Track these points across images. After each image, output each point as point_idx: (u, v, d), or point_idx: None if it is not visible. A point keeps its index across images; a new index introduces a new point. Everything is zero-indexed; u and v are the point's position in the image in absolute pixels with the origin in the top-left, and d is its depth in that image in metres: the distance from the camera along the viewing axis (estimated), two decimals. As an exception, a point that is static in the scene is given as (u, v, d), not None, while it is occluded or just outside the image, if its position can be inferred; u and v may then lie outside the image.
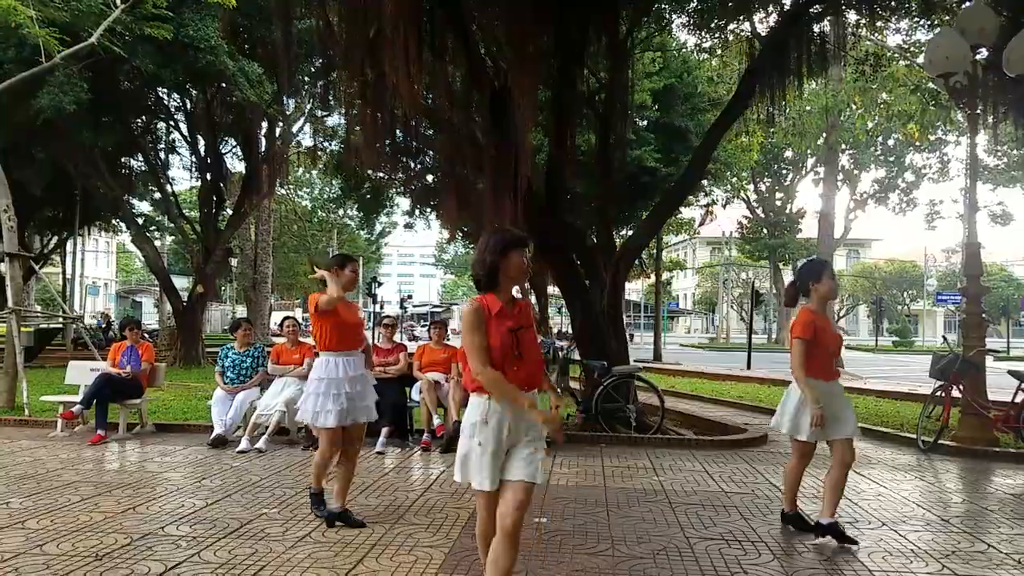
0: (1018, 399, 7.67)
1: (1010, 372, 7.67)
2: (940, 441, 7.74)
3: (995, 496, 5.89)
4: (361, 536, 4.39)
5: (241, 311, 38.87)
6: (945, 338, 9.25)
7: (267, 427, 7.42)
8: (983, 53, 8.79)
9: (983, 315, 8.26)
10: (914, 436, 8.04)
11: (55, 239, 26.64)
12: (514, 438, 2.91)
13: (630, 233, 15.11)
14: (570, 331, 11.51)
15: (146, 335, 9.21)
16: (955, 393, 7.97)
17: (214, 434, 7.43)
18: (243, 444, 7.19)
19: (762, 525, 4.78)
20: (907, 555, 4.21)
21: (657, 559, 4.04)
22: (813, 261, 4.91)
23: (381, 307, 40.15)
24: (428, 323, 15.31)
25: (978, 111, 8.82)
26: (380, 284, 41.40)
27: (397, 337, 8.59)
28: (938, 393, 8.06)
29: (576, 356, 10.14)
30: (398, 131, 10.38)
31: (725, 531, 4.63)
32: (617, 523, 4.75)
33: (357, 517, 4.66)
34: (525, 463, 2.89)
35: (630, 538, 4.42)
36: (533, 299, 25.00)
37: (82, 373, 8.49)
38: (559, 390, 9.10)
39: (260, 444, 7.20)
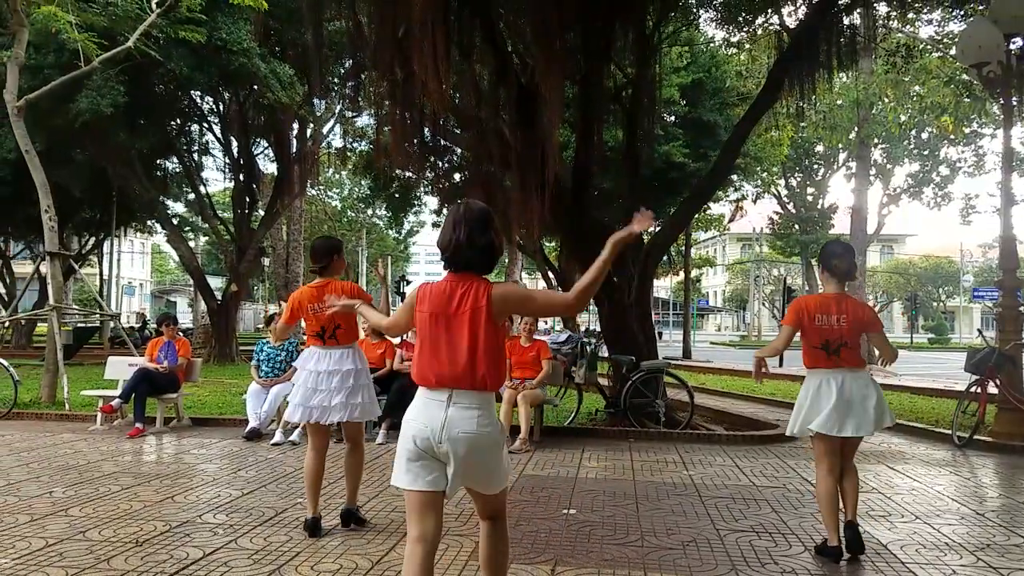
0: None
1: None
2: (976, 437, 7.61)
3: (1033, 491, 5.80)
4: (393, 524, 4.47)
5: (273, 310, 39.39)
6: (980, 332, 9.08)
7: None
8: (1018, 43, 8.62)
9: (1020, 308, 8.10)
10: (949, 432, 7.92)
11: (92, 240, 27.29)
12: None
13: (658, 229, 15.08)
14: (598, 328, 11.50)
15: (181, 332, 9.44)
16: (991, 389, 7.83)
17: (249, 427, 7.59)
18: (277, 436, 7.34)
19: (793, 518, 4.76)
20: (941, 548, 4.17)
21: (687, 550, 4.05)
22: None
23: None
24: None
25: (1013, 101, 8.65)
26: (408, 283, 41.70)
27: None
28: (973, 388, 7.93)
29: (604, 352, 10.15)
30: (426, 130, 10.48)
31: (756, 523, 4.62)
32: (646, 515, 4.76)
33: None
34: None
35: (659, 529, 4.44)
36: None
37: (120, 368, 8.72)
38: (588, 385, 9.14)
39: (294, 437, 7.33)
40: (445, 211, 23.84)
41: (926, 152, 27.76)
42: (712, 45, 18.30)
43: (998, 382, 7.72)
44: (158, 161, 20.04)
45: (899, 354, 4.18)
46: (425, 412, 2.60)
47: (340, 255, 4.62)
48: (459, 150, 16.03)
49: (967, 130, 21.72)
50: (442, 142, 13.03)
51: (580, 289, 2.58)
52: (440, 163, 17.31)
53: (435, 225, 27.04)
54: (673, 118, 17.57)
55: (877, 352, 4.19)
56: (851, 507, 4.01)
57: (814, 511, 4.88)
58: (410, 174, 18.36)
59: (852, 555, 3.89)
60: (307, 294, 4.49)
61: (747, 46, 15.86)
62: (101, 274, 30.56)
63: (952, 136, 22.34)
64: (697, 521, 4.65)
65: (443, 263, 2.71)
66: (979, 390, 7.84)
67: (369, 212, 40.05)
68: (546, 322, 37.94)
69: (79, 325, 21.48)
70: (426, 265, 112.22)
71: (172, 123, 18.55)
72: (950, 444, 7.75)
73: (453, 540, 4.17)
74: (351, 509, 4.44)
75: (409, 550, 2.59)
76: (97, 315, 20.17)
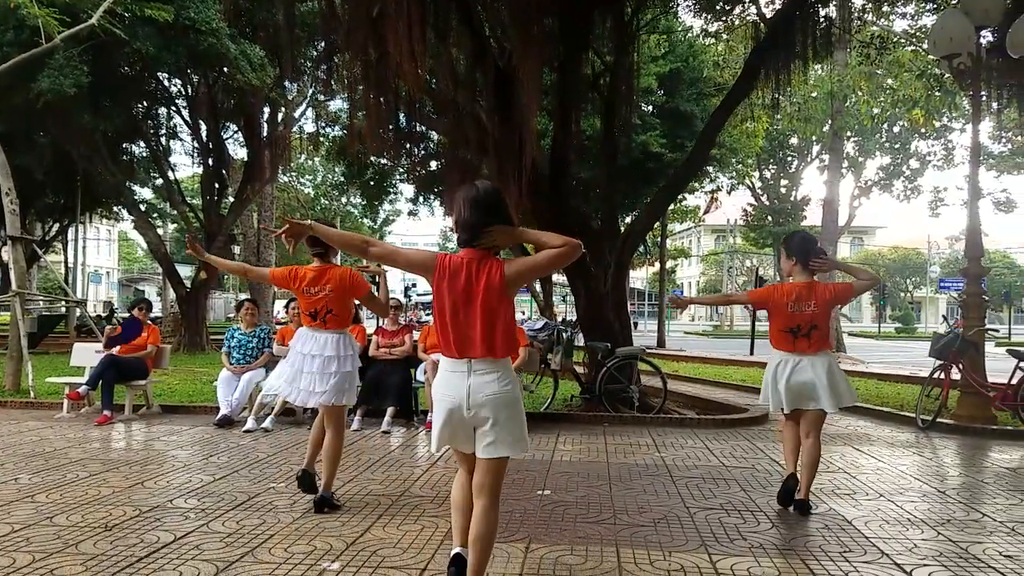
0: (1016, 378, 7.70)
1: (1009, 351, 7.70)
2: (939, 420, 7.78)
3: (991, 470, 5.94)
4: (368, 508, 4.45)
5: (243, 297, 38.93)
6: (945, 318, 9.28)
7: (273, 407, 7.48)
8: (988, 37, 8.77)
9: (984, 296, 8.28)
10: (913, 415, 8.09)
11: (56, 226, 26.68)
12: None
13: (635, 218, 15.12)
14: (574, 318, 11.55)
15: (151, 320, 9.30)
16: (954, 375, 8.00)
17: (220, 414, 7.50)
18: (249, 423, 7.27)
19: (761, 496, 4.84)
20: (904, 523, 4.26)
21: (658, 527, 4.10)
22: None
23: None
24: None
25: (982, 94, 8.80)
26: (384, 272, 41.36)
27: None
28: (937, 373, 8.09)
29: (580, 341, 10.18)
30: (401, 115, 10.38)
31: (725, 501, 4.69)
32: (619, 495, 4.81)
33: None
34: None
35: (631, 508, 4.48)
36: (538, 286, 25.03)
37: (87, 355, 8.56)
38: (563, 372, 9.18)
39: (267, 423, 7.27)
40: (421, 199, 23.73)
41: (897, 145, 28.23)
42: (690, 35, 18.35)
43: (961, 367, 7.90)
44: (124, 145, 19.59)
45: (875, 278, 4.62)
46: (450, 383, 2.85)
47: None
48: (435, 137, 15.95)
49: (937, 124, 22.08)
50: (418, 128, 12.93)
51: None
52: (416, 150, 17.20)
53: (411, 214, 26.82)
54: (651, 108, 17.61)
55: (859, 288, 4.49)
56: (805, 484, 4.38)
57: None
58: (385, 161, 18.23)
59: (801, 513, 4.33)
60: (303, 275, 4.50)
61: (724, 36, 15.95)
62: (66, 261, 29.89)
63: (923, 129, 22.71)
64: (668, 500, 4.71)
65: (459, 241, 2.88)
66: (943, 375, 8.01)
67: (343, 200, 39.65)
68: (522, 311, 38.02)
69: (43, 313, 21.00)
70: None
71: (138, 105, 18.11)
72: (914, 427, 7.93)
73: (429, 521, 4.17)
74: (325, 495, 4.40)
75: (458, 477, 3.06)
76: (62, 302, 19.78)
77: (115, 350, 8.06)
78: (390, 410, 7.40)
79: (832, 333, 23.57)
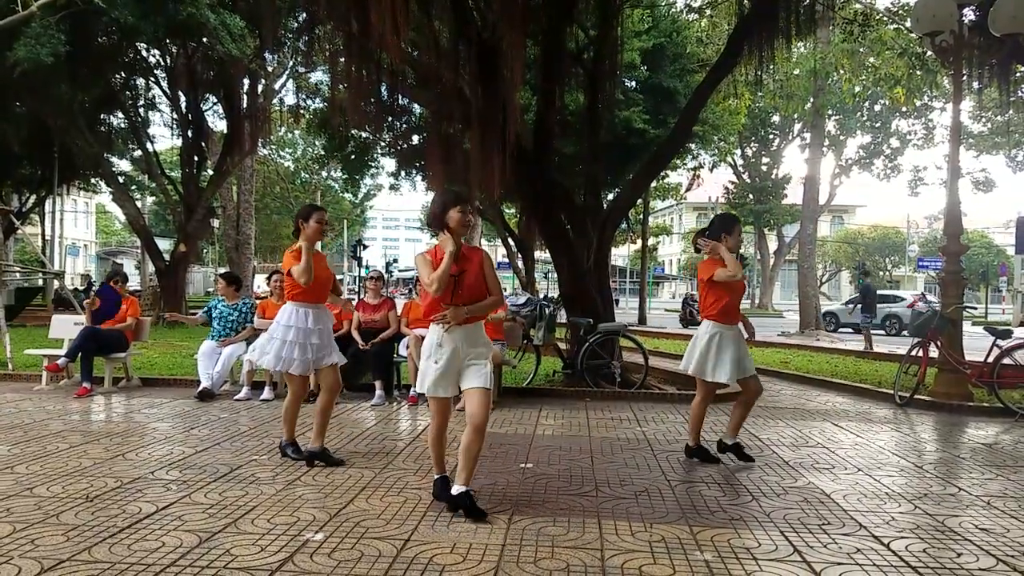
0: (993, 355, 7.83)
1: (986, 328, 7.81)
2: (916, 396, 7.91)
3: (968, 446, 6.06)
4: (351, 480, 4.46)
5: (222, 271, 38.55)
6: (924, 294, 9.42)
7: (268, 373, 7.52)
8: (970, 16, 8.79)
9: (962, 274, 8.37)
10: (891, 392, 8.21)
11: (33, 198, 26.19)
12: (465, 354, 3.79)
13: (617, 193, 15.08)
14: (557, 295, 11.59)
15: (128, 292, 9.19)
16: (932, 352, 8.12)
17: (201, 387, 7.48)
18: (244, 392, 7.38)
19: (741, 470, 4.91)
20: (881, 497, 4.34)
21: (639, 499, 4.15)
22: (730, 215, 5.35)
23: (367, 270, 40.09)
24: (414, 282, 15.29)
25: (963, 73, 8.84)
26: (365, 247, 41.18)
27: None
28: (915, 351, 8.21)
29: (562, 317, 10.21)
30: (384, 88, 10.24)
31: (705, 475, 4.75)
32: (601, 468, 4.85)
33: (336, 456, 4.95)
34: (476, 375, 3.77)
35: (613, 481, 4.53)
36: (521, 263, 25.06)
37: (66, 327, 8.48)
38: (544, 346, 9.22)
39: (266, 394, 7.45)
40: (402, 174, 23.50)
41: (878, 124, 28.41)
42: (673, 10, 18.23)
43: (939, 344, 8.01)
44: (102, 115, 19.25)
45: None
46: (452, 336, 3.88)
47: (307, 219, 4.78)
48: (417, 110, 15.79)
49: (918, 103, 22.20)
50: (400, 101, 12.78)
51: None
52: (398, 124, 17.04)
53: (392, 188, 26.63)
54: (634, 83, 17.51)
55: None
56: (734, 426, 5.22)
57: (761, 464, 5.07)
58: (367, 134, 18.03)
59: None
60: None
61: (708, 12, 15.86)
62: (43, 234, 29.39)
63: (904, 108, 22.81)
64: (650, 473, 4.76)
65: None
66: (921, 352, 8.13)
67: (324, 174, 39.28)
68: (503, 288, 38.00)
69: (21, 286, 20.69)
70: (383, 230, 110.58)
71: (116, 76, 17.76)
72: (892, 403, 8.05)
73: (412, 493, 4.18)
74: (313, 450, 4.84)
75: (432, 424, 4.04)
76: (40, 274, 19.52)
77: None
78: (379, 383, 7.42)
79: (812, 312, 23.48)
